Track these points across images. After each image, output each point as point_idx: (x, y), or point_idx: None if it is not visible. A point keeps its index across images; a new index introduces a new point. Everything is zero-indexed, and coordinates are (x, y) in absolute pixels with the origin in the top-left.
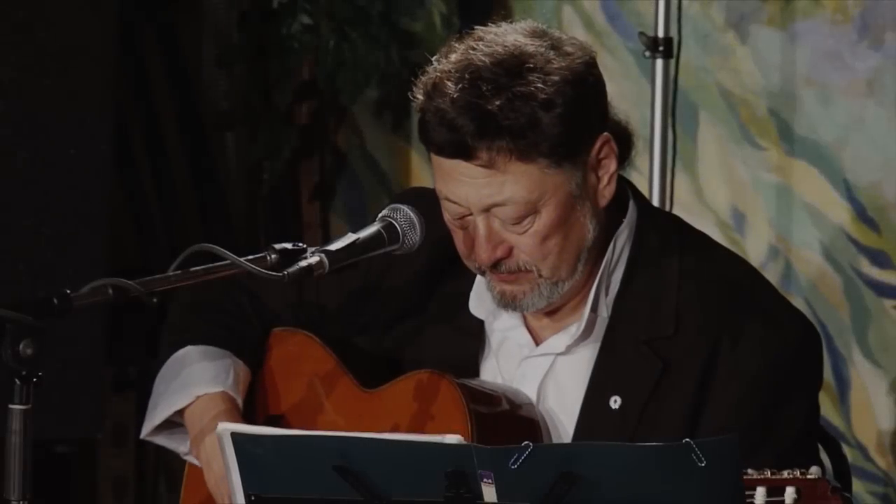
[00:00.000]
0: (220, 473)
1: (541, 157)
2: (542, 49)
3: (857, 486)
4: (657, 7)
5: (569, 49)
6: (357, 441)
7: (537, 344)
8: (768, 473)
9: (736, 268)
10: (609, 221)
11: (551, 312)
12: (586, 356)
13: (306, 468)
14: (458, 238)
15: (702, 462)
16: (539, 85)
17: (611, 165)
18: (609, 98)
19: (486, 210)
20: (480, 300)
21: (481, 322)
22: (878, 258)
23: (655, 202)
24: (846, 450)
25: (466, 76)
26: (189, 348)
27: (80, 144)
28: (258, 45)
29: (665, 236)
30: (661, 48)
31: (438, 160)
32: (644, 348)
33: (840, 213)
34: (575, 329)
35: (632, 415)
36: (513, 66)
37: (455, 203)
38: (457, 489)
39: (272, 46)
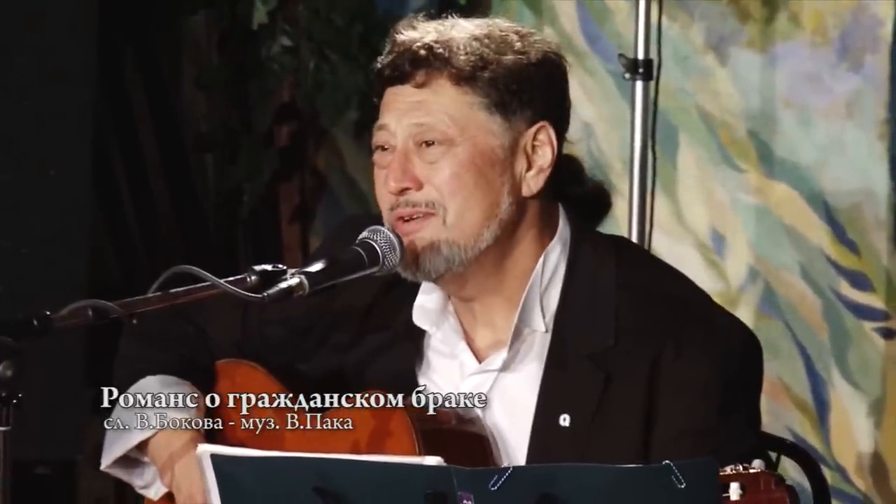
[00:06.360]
0: (189, 498)
1: (476, 92)
2: (521, 34)
3: None
4: (637, 29)
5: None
6: (336, 463)
7: (479, 362)
8: None
9: (672, 279)
10: (539, 236)
11: (489, 327)
12: (530, 373)
13: (286, 490)
14: (380, 181)
15: (681, 484)
16: (512, 38)
17: (545, 156)
18: (589, 122)
19: (410, 138)
20: (424, 310)
21: (419, 338)
22: (858, 280)
23: (635, 224)
24: (825, 472)
25: (441, 26)
26: (147, 378)
27: (60, 166)
28: (238, 67)
29: (600, 251)
30: (640, 70)
31: (385, 96)
32: (586, 363)
33: (820, 235)
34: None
35: (582, 431)
36: (490, 31)
37: (384, 127)
38: None
39: (252, 68)
